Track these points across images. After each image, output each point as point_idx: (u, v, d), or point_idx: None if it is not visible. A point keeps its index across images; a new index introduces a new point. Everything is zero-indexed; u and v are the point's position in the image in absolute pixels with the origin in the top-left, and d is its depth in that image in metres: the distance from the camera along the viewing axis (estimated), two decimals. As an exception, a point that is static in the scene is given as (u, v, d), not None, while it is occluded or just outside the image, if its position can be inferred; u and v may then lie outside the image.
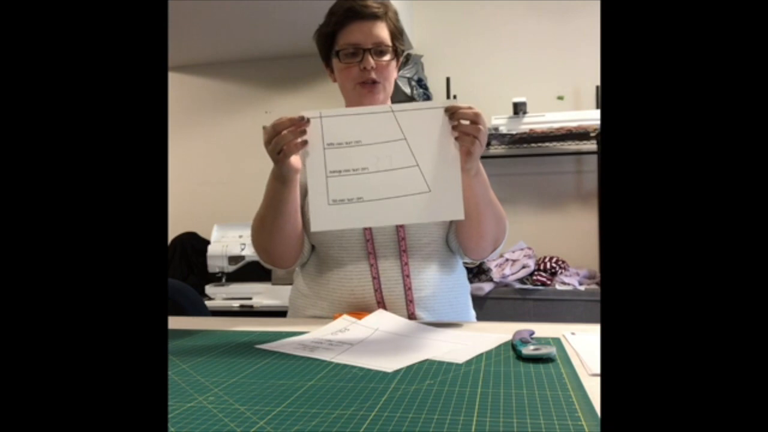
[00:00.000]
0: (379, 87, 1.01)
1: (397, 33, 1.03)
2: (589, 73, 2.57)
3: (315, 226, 0.85)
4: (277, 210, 0.97)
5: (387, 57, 1.01)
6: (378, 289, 0.99)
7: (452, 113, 0.83)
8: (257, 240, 1.04)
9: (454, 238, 1.05)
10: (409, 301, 1.00)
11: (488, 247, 1.03)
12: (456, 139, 0.83)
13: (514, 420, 0.49)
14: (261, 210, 1.01)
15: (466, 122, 0.83)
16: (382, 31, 1.00)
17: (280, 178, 0.93)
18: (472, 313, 1.12)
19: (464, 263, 1.15)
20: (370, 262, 1.00)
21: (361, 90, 1.00)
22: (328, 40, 1.04)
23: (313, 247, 1.09)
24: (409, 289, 1.00)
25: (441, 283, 1.04)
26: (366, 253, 1.01)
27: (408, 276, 1.00)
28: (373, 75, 0.99)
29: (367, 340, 0.81)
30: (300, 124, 0.83)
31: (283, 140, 0.84)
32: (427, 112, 0.84)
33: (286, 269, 1.07)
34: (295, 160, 0.90)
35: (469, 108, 0.83)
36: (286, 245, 1.02)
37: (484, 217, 0.97)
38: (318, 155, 0.84)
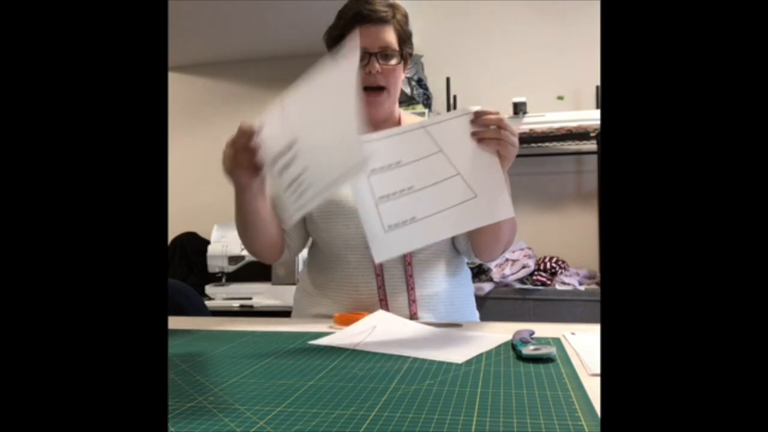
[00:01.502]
0: (384, 94, 1.01)
1: (404, 36, 1.03)
2: (589, 73, 2.57)
3: (378, 257, 0.84)
4: (242, 218, 0.99)
5: (393, 61, 1.01)
6: (381, 287, 1.00)
7: (474, 119, 0.83)
8: (240, 238, 1.06)
9: (463, 239, 1.05)
10: (412, 300, 1.00)
11: (500, 250, 1.04)
12: (479, 142, 0.83)
13: (514, 420, 0.49)
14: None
15: (493, 127, 0.83)
16: (389, 35, 1.00)
17: (236, 191, 0.94)
18: (476, 314, 1.12)
19: (466, 263, 1.15)
20: (373, 260, 1.00)
21: (366, 97, 1.00)
22: (336, 43, 1.04)
23: (310, 244, 1.10)
24: (412, 288, 1.00)
25: (444, 284, 1.04)
26: (369, 252, 1.01)
27: (411, 276, 1.01)
28: (379, 79, 1.00)
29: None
30: (252, 151, 0.83)
31: (238, 160, 0.85)
32: (456, 121, 0.84)
33: (271, 263, 1.10)
34: (246, 178, 0.90)
35: (495, 114, 0.84)
36: (262, 243, 1.04)
37: (503, 225, 0.98)
38: (362, 184, 0.83)
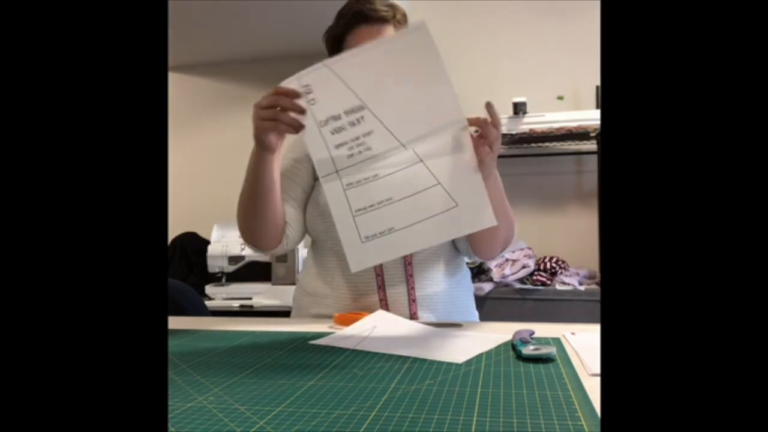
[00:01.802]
0: None
1: None
2: (589, 73, 2.56)
3: (355, 267, 0.84)
4: (254, 187, 0.97)
5: None
6: (381, 287, 1.00)
7: (474, 124, 0.83)
8: (240, 223, 1.04)
9: (463, 239, 1.05)
10: (412, 300, 1.00)
11: (498, 249, 1.04)
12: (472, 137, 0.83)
13: (514, 420, 0.49)
14: (242, 190, 1.01)
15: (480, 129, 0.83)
16: (389, 35, 1.01)
17: (259, 156, 0.94)
18: (475, 314, 1.12)
19: (466, 263, 1.15)
20: None
21: None
22: (336, 42, 1.04)
23: (310, 241, 1.10)
24: (412, 288, 1.00)
25: (444, 284, 1.04)
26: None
27: (411, 275, 1.01)
28: None
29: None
30: (299, 108, 0.83)
31: (283, 117, 0.84)
32: (436, 129, 0.83)
33: (267, 251, 1.07)
34: (276, 140, 0.91)
35: (476, 118, 0.83)
36: (265, 224, 1.01)
37: (499, 223, 0.98)
38: (340, 197, 0.83)
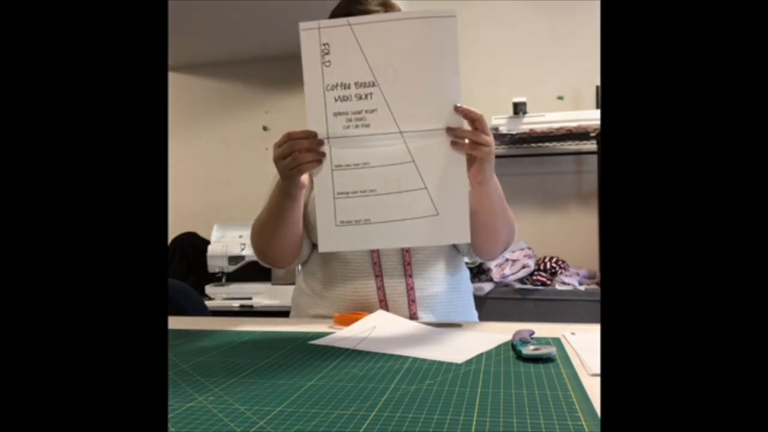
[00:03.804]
0: None
1: None
2: (589, 73, 2.57)
3: (323, 247, 0.85)
4: (279, 220, 0.98)
5: None
6: (380, 288, 1.00)
7: (450, 132, 0.81)
8: (256, 243, 1.06)
9: None
10: (411, 300, 1.00)
11: (499, 249, 1.05)
12: (452, 146, 0.82)
13: (514, 420, 0.49)
14: (263, 216, 1.02)
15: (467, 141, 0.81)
16: None
17: (288, 193, 0.93)
18: (475, 314, 1.12)
19: (465, 263, 1.15)
20: (373, 261, 1.01)
21: None
22: None
23: (314, 246, 1.09)
24: (412, 288, 1.00)
25: (444, 284, 1.04)
26: (369, 251, 1.01)
27: (410, 276, 1.01)
28: None
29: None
30: (318, 142, 0.82)
31: (301, 158, 0.83)
32: (435, 133, 0.83)
33: (282, 268, 1.08)
34: (304, 176, 0.90)
35: (469, 131, 0.82)
36: (285, 250, 1.03)
37: (499, 225, 0.99)
38: (326, 176, 0.83)
